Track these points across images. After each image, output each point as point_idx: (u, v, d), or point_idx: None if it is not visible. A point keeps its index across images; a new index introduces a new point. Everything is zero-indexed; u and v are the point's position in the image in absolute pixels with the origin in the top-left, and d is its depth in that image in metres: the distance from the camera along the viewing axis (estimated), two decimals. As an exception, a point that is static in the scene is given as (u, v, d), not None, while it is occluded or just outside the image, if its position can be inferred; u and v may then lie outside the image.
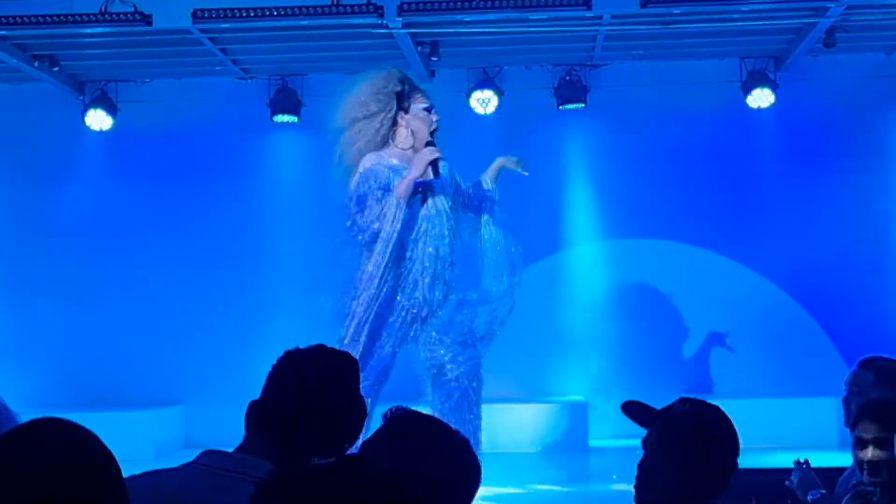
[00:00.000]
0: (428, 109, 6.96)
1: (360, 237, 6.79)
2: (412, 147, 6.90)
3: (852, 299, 10.22)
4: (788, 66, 10.15)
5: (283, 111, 10.56)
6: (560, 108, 10.48)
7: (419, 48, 9.45)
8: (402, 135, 6.91)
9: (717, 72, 10.43)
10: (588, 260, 10.70)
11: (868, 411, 3.56)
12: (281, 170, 10.83)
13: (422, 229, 6.84)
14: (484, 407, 7.25)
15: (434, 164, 6.83)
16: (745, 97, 10.20)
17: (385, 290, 6.77)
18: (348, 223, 6.84)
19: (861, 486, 3.67)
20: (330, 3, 8.54)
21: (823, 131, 10.38)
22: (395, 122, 6.91)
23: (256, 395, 2.57)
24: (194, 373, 10.47)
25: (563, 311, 10.56)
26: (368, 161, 6.78)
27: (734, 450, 2.91)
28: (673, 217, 10.39)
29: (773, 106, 10.15)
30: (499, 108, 10.34)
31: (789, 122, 10.40)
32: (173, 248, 10.61)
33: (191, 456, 2.43)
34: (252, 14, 8.58)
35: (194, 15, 8.59)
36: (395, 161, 6.84)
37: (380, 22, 8.68)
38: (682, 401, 2.96)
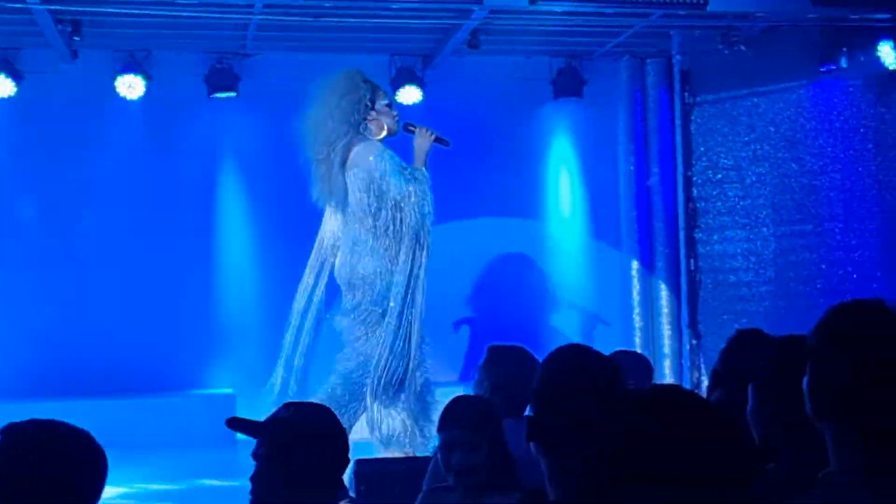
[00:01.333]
0: (390, 105, 7.31)
1: (399, 223, 6.84)
2: (383, 140, 7.13)
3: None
4: (436, 64, 10.49)
5: None
6: (211, 95, 10.30)
7: (59, 26, 8.95)
8: (374, 129, 7.08)
9: (368, 67, 10.47)
10: (240, 251, 10.60)
11: (454, 414, 3.52)
12: None
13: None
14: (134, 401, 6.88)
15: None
16: (395, 93, 10.42)
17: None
18: (371, 215, 6.85)
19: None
20: (-41, -29, 7.95)
21: (468, 129, 10.75)
22: (365, 118, 7.09)
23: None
24: None
25: (214, 302, 10.43)
26: (373, 147, 6.95)
27: (342, 448, 2.95)
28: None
29: (421, 102, 10.46)
30: (146, 93, 10.02)
31: (436, 119, 10.65)
32: None
33: None
34: None
35: None
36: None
37: (16, -4, 8.16)
38: (286, 406, 2.97)
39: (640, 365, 5.31)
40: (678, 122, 10.67)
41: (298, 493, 2.83)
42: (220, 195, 10.60)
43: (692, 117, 10.69)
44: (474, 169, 10.81)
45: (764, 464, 1.89)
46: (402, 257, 6.82)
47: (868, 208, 10.43)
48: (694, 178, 10.69)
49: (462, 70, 10.59)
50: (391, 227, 6.85)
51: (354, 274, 6.87)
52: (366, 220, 6.87)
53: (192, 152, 10.41)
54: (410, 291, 6.79)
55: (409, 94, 10.43)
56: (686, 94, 10.63)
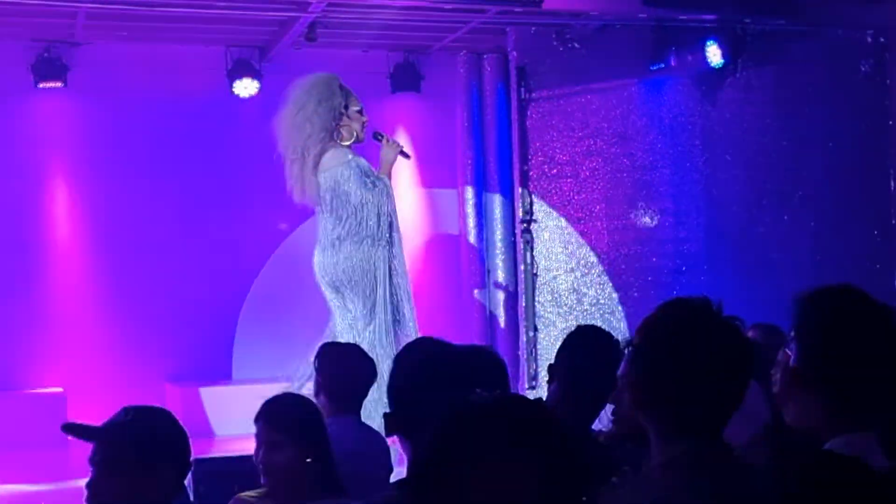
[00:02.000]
0: (360, 112, 7.96)
1: (359, 224, 7.65)
2: (352, 144, 7.91)
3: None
4: (272, 57, 10.37)
5: None
6: (38, 86, 9.94)
7: None
8: (345, 134, 7.85)
9: (203, 58, 10.39)
10: (69, 246, 10.27)
11: (266, 410, 3.53)
12: None
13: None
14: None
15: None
16: (231, 85, 10.27)
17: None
18: (338, 217, 7.68)
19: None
20: None
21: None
22: (338, 124, 7.84)
23: None
24: None
25: (42, 298, 10.08)
26: (341, 154, 7.73)
27: (183, 452, 2.90)
28: (163, 205, 10.24)
29: (257, 95, 10.32)
30: (-32, 82, 9.62)
31: (273, 112, 10.58)
32: None
33: None
34: None
35: None
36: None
37: None
38: (125, 411, 2.89)
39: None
40: (515, 117, 10.82)
41: (137, 499, 2.77)
42: (48, 188, 10.25)
43: (528, 113, 10.83)
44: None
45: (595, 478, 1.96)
46: (366, 256, 7.67)
47: (696, 203, 10.78)
48: (530, 173, 10.85)
49: (300, 63, 10.43)
50: (354, 229, 7.66)
51: (336, 269, 7.71)
52: (335, 221, 7.70)
53: (17, 144, 10.04)
54: (381, 289, 7.64)
55: (246, 87, 10.29)
56: (522, 89, 10.76)
